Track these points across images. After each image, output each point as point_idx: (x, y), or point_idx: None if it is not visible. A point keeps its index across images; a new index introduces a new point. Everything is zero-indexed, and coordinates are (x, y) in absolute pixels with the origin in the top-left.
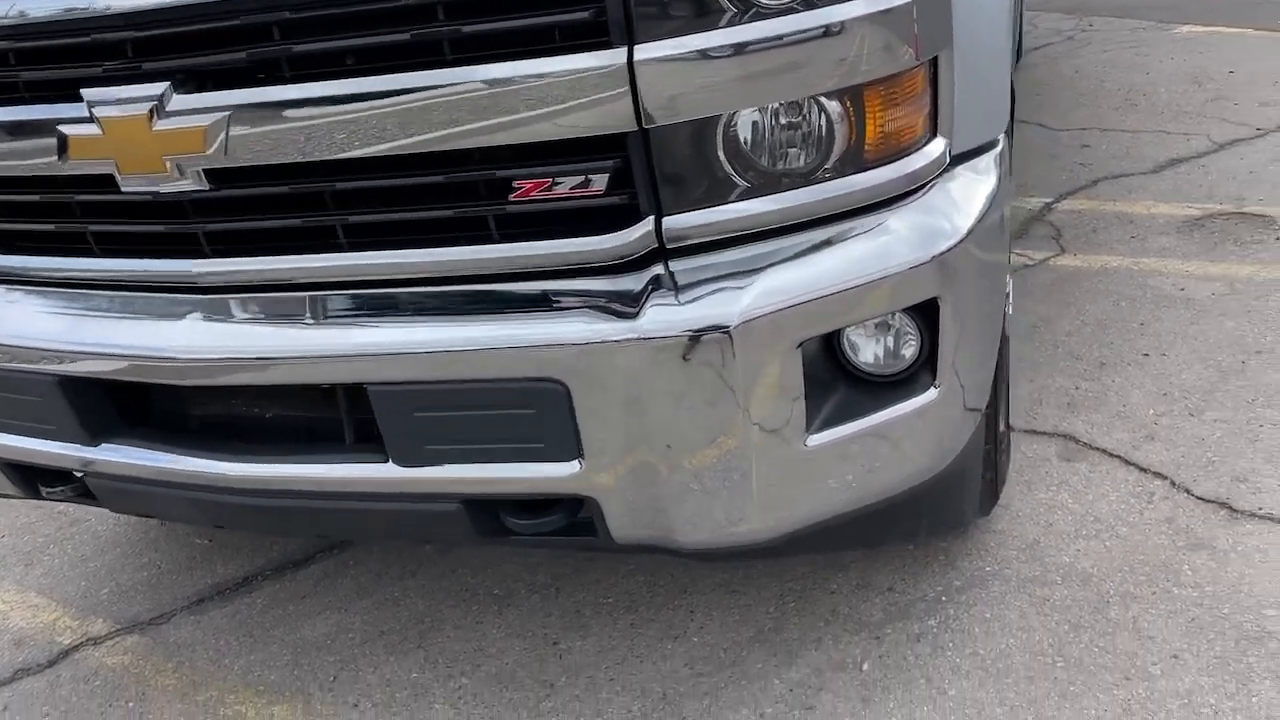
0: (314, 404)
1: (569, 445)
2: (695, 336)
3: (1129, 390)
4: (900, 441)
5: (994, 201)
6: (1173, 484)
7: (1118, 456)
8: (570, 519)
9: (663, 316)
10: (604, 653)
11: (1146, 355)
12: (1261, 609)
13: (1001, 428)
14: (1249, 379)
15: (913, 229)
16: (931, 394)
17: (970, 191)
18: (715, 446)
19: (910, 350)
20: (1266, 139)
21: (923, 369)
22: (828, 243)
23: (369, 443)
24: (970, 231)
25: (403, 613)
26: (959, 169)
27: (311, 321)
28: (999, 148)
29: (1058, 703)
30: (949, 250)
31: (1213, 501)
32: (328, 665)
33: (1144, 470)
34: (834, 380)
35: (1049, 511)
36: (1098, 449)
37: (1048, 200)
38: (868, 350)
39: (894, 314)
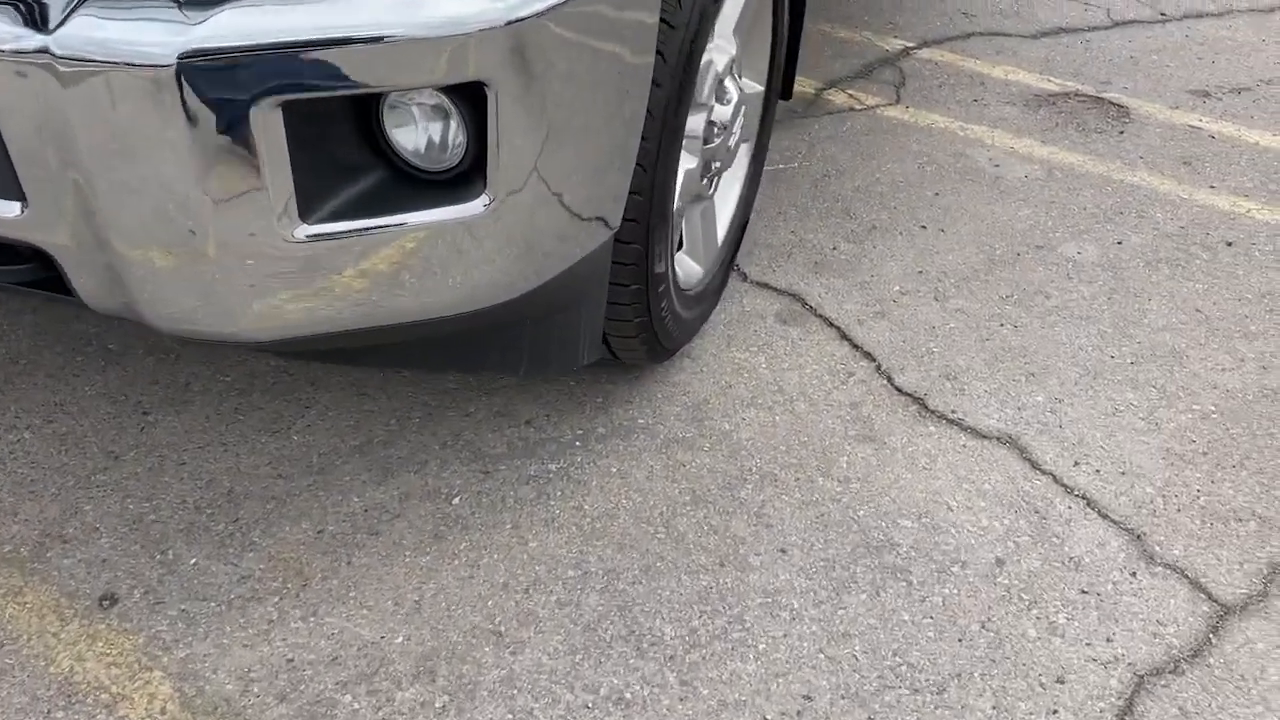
0: None
1: (7, 182)
2: (121, 67)
3: (886, 261)
4: (435, 256)
5: None
6: (878, 368)
7: (837, 328)
8: (44, 273)
9: (84, 33)
10: (192, 434)
11: (924, 227)
12: (898, 518)
13: (660, 269)
14: (1015, 273)
15: None
16: (476, 206)
17: None
18: (163, 218)
19: (459, 145)
20: (1165, 26)
21: (474, 173)
22: None
23: None
24: (553, 8)
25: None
26: None
27: None
28: None
29: (635, 578)
30: (511, 23)
31: (908, 394)
32: None
33: (856, 348)
34: (361, 163)
35: (735, 373)
36: (821, 316)
37: (909, 45)
38: (412, 134)
39: (438, 93)
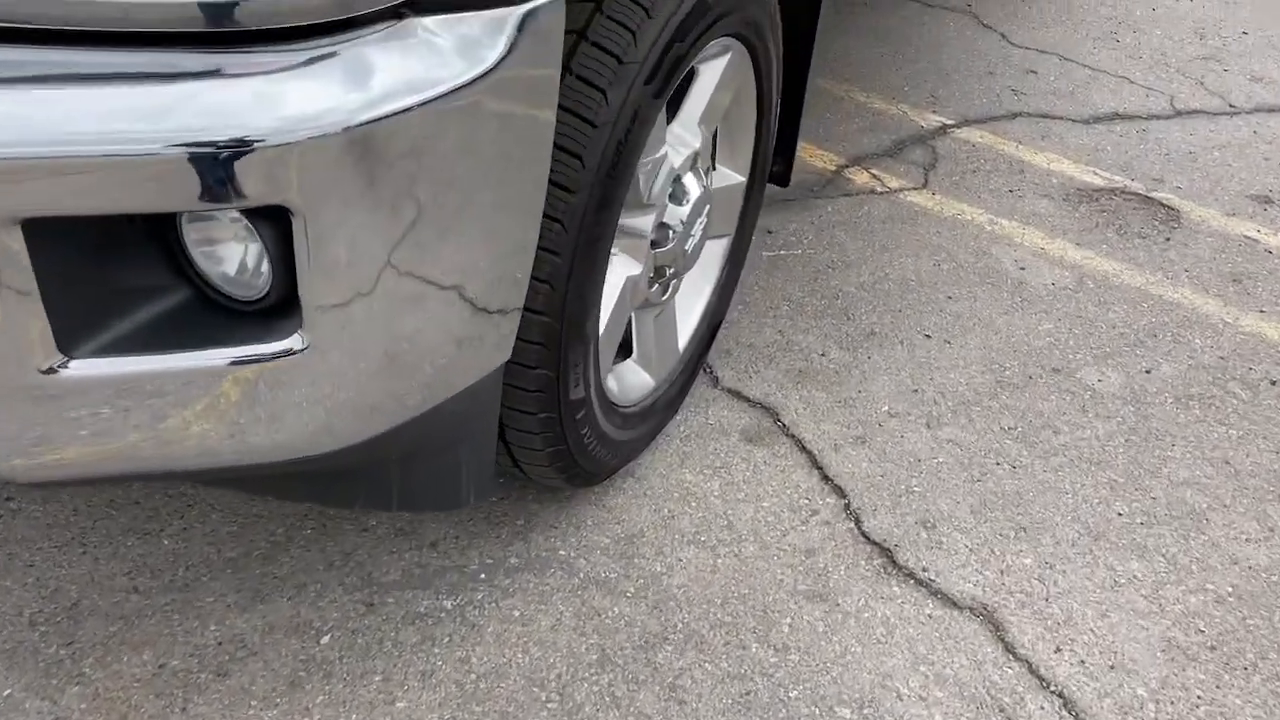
0: None
1: None
2: None
3: (878, 374)
4: (241, 399)
5: (483, 85)
6: (846, 507)
7: (809, 453)
8: None
9: None
10: (54, 529)
11: (928, 337)
12: (836, 704)
13: (578, 395)
14: (1023, 400)
15: (277, 89)
16: (288, 345)
17: (427, 59)
18: None
19: (266, 275)
20: (1233, 120)
21: (288, 306)
22: (146, 74)
23: None
24: (371, 122)
25: None
26: (434, 22)
27: None
28: (537, 4)
29: None
30: (316, 138)
31: (876, 543)
32: None
33: (826, 479)
34: (154, 287)
35: (682, 500)
36: (792, 437)
37: (948, 122)
38: (219, 255)
39: (230, 214)
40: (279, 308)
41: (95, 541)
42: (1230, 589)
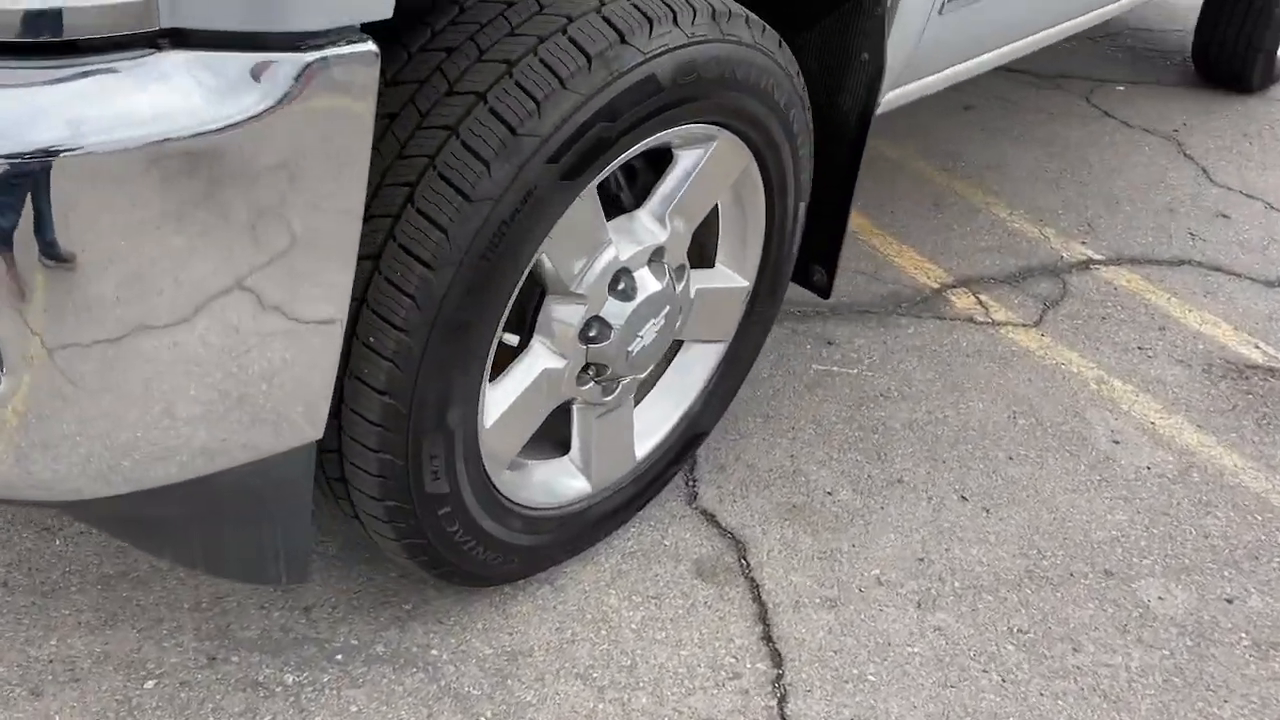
0: None
1: None
2: None
3: (886, 530)
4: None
5: (239, 133)
6: (777, 679)
7: (762, 604)
8: None
9: None
10: None
11: (964, 499)
12: None
13: (440, 489)
14: (1051, 601)
15: None
16: None
17: (169, 97)
18: None
19: None
20: None
21: None
22: None
23: None
24: (76, 153)
25: None
26: (192, 58)
27: None
28: (329, 55)
29: None
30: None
31: None
32: None
33: (768, 640)
34: None
35: (593, 624)
36: (751, 580)
37: (1095, 257)
38: None
39: None
40: None
41: None
42: None
